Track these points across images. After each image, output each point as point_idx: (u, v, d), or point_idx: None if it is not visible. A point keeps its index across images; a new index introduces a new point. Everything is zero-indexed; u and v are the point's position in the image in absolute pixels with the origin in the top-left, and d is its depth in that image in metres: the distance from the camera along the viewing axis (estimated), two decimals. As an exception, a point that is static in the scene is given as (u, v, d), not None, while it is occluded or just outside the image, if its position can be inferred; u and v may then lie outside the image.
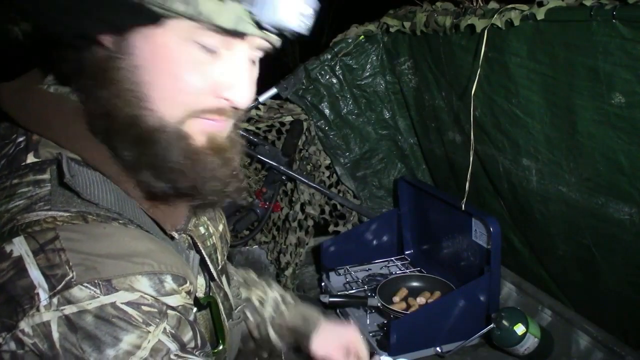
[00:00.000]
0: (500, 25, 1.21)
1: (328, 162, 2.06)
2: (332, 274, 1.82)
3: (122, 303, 0.50)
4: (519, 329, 1.31)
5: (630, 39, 0.95)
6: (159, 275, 0.54)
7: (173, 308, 0.55)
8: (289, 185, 2.03)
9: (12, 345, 0.47)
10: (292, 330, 1.05)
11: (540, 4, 1.11)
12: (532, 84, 1.23)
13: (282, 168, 1.87)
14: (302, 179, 1.93)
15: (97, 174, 0.57)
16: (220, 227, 0.86)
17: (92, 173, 0.57)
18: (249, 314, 1.03)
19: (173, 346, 0.53)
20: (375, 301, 1.50)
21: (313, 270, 1.99)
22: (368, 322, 1.55)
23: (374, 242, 1.94)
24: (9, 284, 0.48)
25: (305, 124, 1.97)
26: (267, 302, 1.06)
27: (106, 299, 0.49)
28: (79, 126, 0.59)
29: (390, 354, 1.33)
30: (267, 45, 0.59)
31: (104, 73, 0.55)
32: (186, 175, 0.58)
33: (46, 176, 0.56)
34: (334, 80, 1.93)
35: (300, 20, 0.54)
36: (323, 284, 1.76)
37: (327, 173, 2.08)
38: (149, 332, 0.51)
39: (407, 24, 1.59)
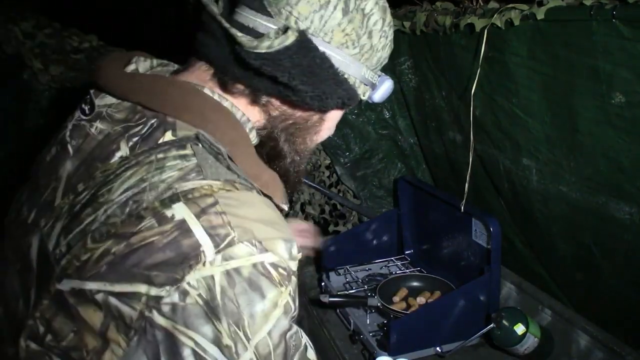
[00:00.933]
0: (500, 25, 1.21)
1: (328, 162, 2.06)
2: (332, 274, 1.82)
3: (268, 263, 0.56)
4: (519, 329, 1.30)
5: (630, 39, 0.95)
6: (290, 242, 0.60)
7: (294, 273, 0.60)
8: (289, 185, 2.03)
9: (176, 297, 0.51)
10: None
11: (540, 4, 1.11)
12: (532, 84, 1.23)
13: (282, 168, 1.86)
14: (302, 179, 1.93)
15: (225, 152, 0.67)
16: None
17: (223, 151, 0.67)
18: None
19: (294, 307, 0.59)
20: (375, 301, 1.50)
21: (313, 270, 1.99)
22: (368, 322, 1.55)
23: (374, 242, 1.93)
24: (174, 243, 0.53)
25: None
26: None
27: (259, 258, 0.55)
28: (212, 112, 0.68)
29: (390, 354, 1.33)
30: None
31: (304, 123, 0.75)
32: (303, 174, 0.84)
33: (188, 151, 0.62)
34: (334, 80, 1.92)
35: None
36: (323, 283, 1.76)
37: (327, 173, 2.08)
38: (282, 292, 0.56)
39: (407, 24, 1.59)
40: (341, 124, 2.04)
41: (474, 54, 1.36)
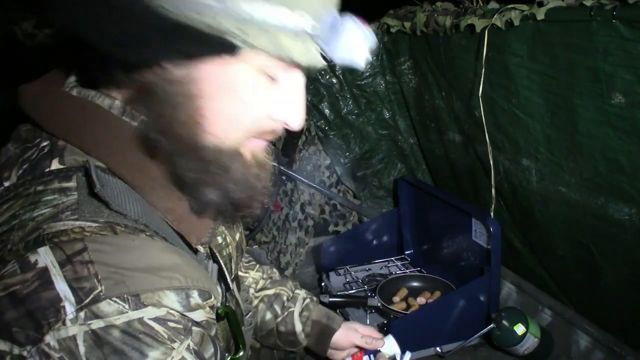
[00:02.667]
0: (500, 25, 1.21)
1: (328, 162, 2.06)
2: (332, 274, 1.82)
3: (149, 319, 0.50)
4: (519, 329, 1.31)
5: (630, 39, 0.95)
6: (186, 290, 0.53)
7: (197, 324, 0.54)
8: (289, 185, 2.03)
9: (38, 359, 0.46)
10: (317, 324, 1.13)
11: (540, 4, 1.11)
12: (532, 84, 1.23)
13: (282, 168, 1.87)
14: (302, 179, 1.93)
15: (121, 182, 0.57)
16: (237, 236, 0.87)
17: (118, 182, 0.57)
18: (277, 308, 1.12)
19: None
20: (375, 301, 1.50)
21: (313, 270, 1.99)
22: (368, 322, 1.55)
23: (374, 242, 1.93)
24: (34, 295, 0.47)
25: (305, 124, 1.97)
26: (296, 298, 1.14)
27: (134, 315, 0.49)
28: (108, 133, 0.58)
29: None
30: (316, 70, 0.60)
31: (168, 96, 0.55)
32: (241, 188, 0.61)
33: (72, 184, 0.55)
34: (334, 80, 1.93)
35: (365, 58, 0.57)
36: (323, 284, 1.76)
37: (327, 173, 2.08)
38: (174, 348, 0.51)
39: (407, 24, 1.59)
40: (341, 124, 2.06)
41: (474, 54, 1.36)
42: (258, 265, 1.20)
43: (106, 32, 0.49)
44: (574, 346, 1.36)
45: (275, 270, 1.24)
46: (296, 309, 1.12)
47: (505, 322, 1.32)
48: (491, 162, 1.38)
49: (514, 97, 1.30)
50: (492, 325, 1.34)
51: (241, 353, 0.72)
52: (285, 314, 1.12)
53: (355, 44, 0.56)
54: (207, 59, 0.54)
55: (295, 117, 0.62)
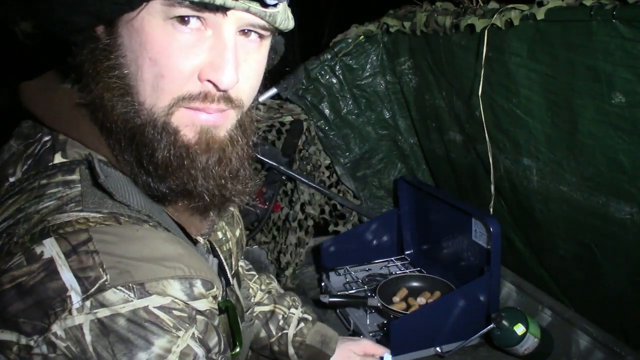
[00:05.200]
0: (500, 25, 1.21)
1: (328, 162, 2.06)
2: (332, 274, 1.82)
3: (154, 307, 0.50)
4: (519, 329, 1.30)
5: (630, 39, 0.95)
6: (190, 279, 0.54)
7: (201, 313, 0.55)
8: (289, 185, 2.03)
9: (45, 349, 0.47)
10: (310, 348, 1.13)
11: (540, 4, 1.11)
12: (533, 84, 1.23)
13: (282, 168, 1.86)
14: (302, 179, 1.93)
15: (123, 175, 0.58)
16: (237, 232, 0.88)
17: (120, 175, 0.57)
18: (271, 327, 1.12)
19: (200, 351, 0.53)
20: (375, 301, 1.50)
21: (313, 270, 1.99)
22: (368, 322, 1.55)
23: (374, 242, 1.93)
24: (40, 286, 0.48)
25: (305, 124, 1.97)
26: (291, 319, 1.14)
27: (139, 303, 0.49)
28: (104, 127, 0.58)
29: (390, 354, 1.33)
30: (257, 21, 0.57)
31: (96, 66, 0.55)
32: (175, 173, 0.57)
33: (76, 177, 0.55)
34: (334, 80, 1.93)
35: None
36: (323, 284, 1.76)
37: (327, 173, 2.08)
38: (179, 336, 0.51)
39: (407, 24, 1.59)
40: (341, 124, 2.06)
41: (474, 54, 1.36)
42: (257, 276, 1.19)
43: (39, 6, 0.52)
44: (574, 346, 1.36)
45: (273, 278, 1.24)
46: (290, 332, 1.13)
47: (505, 322, 1.32)
48: (490, 159, 1.37)
49: (514, 96, 1.30)
50: (492, 325, 1.34)
51: (238, 349, 0.72)
52: (280, 334, 1.13)
53: None
54: (120, 19, 0.53)
55: (221, 75, 0.55)
